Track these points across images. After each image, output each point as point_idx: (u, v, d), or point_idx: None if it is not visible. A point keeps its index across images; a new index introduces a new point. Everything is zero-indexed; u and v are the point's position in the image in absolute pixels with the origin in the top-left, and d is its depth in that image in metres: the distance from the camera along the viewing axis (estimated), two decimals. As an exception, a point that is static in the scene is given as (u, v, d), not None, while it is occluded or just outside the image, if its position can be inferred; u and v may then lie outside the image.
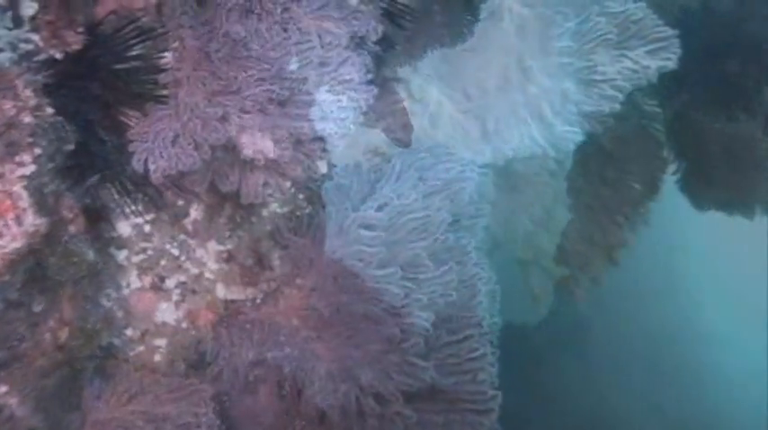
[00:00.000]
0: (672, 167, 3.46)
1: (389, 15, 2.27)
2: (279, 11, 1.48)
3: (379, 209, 1.81)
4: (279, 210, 1.93)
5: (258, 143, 1.45)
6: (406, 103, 2.27)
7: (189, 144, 1.34)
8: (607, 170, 3.19)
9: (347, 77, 1.52)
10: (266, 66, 1.44)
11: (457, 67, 2.27)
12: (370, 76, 1.57)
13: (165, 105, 1.39)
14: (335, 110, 1.48)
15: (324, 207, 2.01)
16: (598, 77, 2.05)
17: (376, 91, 1.57)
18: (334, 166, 2.12)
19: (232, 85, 1.43)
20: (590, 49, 2.11)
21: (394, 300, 1.72)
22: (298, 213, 1.97)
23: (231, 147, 1.49)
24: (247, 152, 1.44)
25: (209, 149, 1.37)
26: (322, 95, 1.52)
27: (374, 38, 1.61)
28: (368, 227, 1.77)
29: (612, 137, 3.12)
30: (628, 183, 3.21)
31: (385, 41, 2.36)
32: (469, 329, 1.79)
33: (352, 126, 1.54)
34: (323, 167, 1.88)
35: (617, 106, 2.03)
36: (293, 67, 1.50)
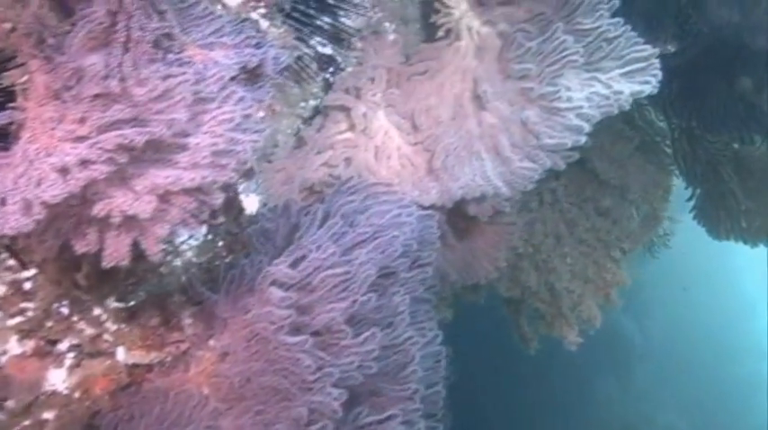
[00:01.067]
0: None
1: (335, 37, 2.03)
2: (150, 38, 1.23)
3: (295, 263, 1.56)
4: (194, 260, 1.69)
5: (112, 198, 1.21)
6: (349, 134, 2.02)
7: (15, 203, 1.10)
8: (604, 199, 2.89)
9: (228, 117, 1.27)
10: (126, 107, 1.20)
11: (408, 93, 2.01)
12: (260, 115, 1.31)
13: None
14: (210, 155, 1.23)
15: (247, 256, 1.77)
16: (563, 105, 1.77)
17: (267, 131, 1.31)
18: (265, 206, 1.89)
19: (82, 129, 1.19)
20: (554, 72, 1.83)
21: (305, 373, 1.47)
22: (216, 263, 1.72)
23: (83, 201, 1.25)
24: (97, 209, 1.19)
25: (42, 209, 1.12)
26: (197, 139, 1.27)
27: (274, 68, 1.36)
28: (280, 285, 1.52)
29: (609, 161, 2.82)
30: (627, 213, 2.90)
31: (332, 64, 2.11)
32: (397, 405, 1.52)
33: (233, 174, 1.28)
34: (251, 207, 1.65)
35: (582, 139, 1.74)
36: (161, 106, 1.25)
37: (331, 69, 2.11)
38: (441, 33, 2.06)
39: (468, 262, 2.05)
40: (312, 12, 1.79)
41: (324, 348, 1.53)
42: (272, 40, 1.57)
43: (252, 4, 1.56)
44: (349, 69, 2.07)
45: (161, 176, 1.25)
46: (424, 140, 1.94)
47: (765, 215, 3.16)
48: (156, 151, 1.29)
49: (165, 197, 1.29)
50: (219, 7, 1.46)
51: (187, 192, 1.30)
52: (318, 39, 1.95)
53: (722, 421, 7.43)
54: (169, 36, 1.32)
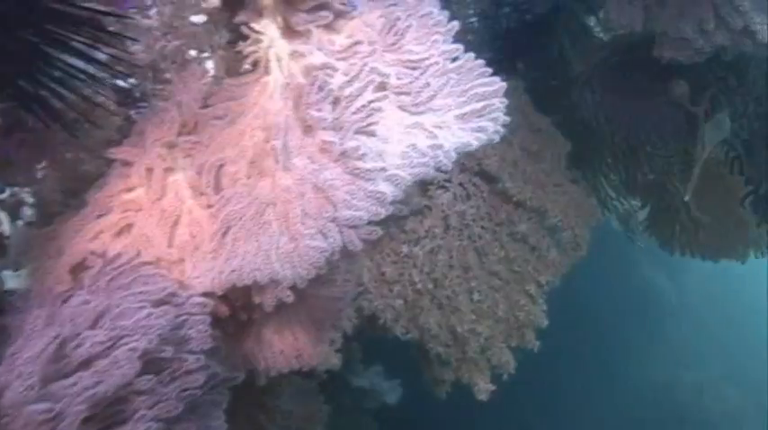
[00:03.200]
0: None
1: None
2: None
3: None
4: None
5: None
6: (137, 193, 1.67)
7: None
8: (519, 223, 2.50)
9: None
10: None
11: (206, 142, 1.65)
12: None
13: None
14: None
15: None
16: (367, 165, 1.40)
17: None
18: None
19: None
20: (362, 120, 1.46)
21: None
22: None
23: None
24: None
25: None
26: None
27: None
28: None
29: (524, 180, 2.43)
30: (545, 240, 2.52)
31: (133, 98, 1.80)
32: None
33: None
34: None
35: (383, 211, 1.38)
36: None
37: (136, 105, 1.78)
38: (247, 66, 1.68)
39: (258, 355, 1.70)
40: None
41: None
42: None
43: None
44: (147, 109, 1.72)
45: None
46: (217, 207, 1.57)
47: (725, 231, 2.74)
48: None
49: None
50: None
51: None
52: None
53: (754, 378, 7.20)
54: None
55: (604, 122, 2.58)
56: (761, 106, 2.40)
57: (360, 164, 1.48)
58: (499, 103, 1.55)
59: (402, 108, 1.58)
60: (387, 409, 4.12)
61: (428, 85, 1.55)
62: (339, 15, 1.68)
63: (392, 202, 1.45)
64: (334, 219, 1.46)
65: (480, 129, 1.51)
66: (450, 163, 1.49)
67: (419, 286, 2.50)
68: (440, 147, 1.46)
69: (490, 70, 1.62)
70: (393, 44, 1.62)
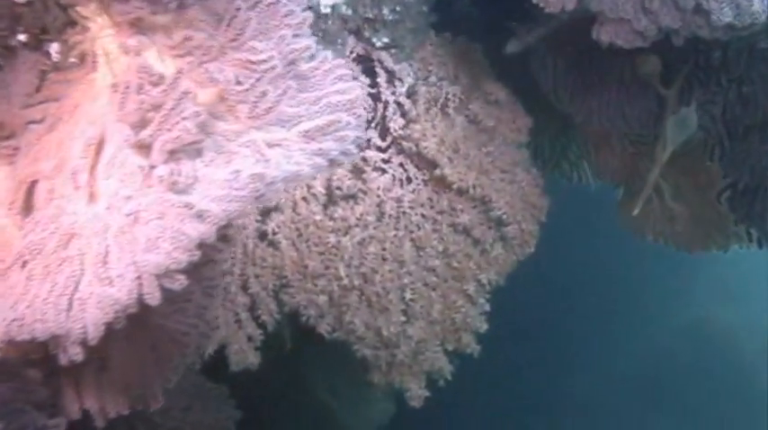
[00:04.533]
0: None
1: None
2: None
3: None
4: None
5: None
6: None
7: None
8: (462, 213, 2.23)
9: None
10: None
11: (22, 150, 1.41)
12: None
13: None
14: None
15: None
16: (179, 198, 1.15)
17: None
18: None
19: None
20: (178, 140, 1.20)
21: None
22: None
23: None
24: None
25: None
26: None
27: None
28: None
29: (466, 165, 2.15)
30: (489, 234, 2.24)
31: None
32: None
33: None
34: None
35: (184, 260, 1.13)
36: None
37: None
38: (73, 59, 1.42)
39: (90, 397, 1.47)
40: None
41: None
42: None
43: None
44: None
45: None
46: (25, 228, 1.34)
47: (703, 221, 2.42)
48: None
49: None
50: None
51: None
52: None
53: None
54: None
55: (566, 102, 2.24)
56: (742, 88, 2.04)
57: (170, 195, 1.22)
58: (349, 117, 1.26)
59: (238, 120, 1.30)
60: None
61: (265, 93, 1.26)
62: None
63: (200, 245, 1.19)
64: (134, 263, 1.21)
65: (320, 153, 1.23)
66: (277, 195, 1.22)
67: (345, 281, 2.25)
68: (262, 177, 1.19)
69: (350, 73, 1.33)
70: (233, 40, 1.33)
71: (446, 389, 2.36)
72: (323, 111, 1.29)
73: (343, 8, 2.20)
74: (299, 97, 1.30)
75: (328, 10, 2.16)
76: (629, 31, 1.59)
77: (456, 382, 2.38)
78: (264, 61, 1.29)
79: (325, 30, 2.23)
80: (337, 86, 1.32)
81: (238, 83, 1.31)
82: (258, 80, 1.29)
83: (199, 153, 1.27)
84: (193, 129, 1.25)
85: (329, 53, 1.35)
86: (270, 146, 1.26)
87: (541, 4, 1.61)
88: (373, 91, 2.42)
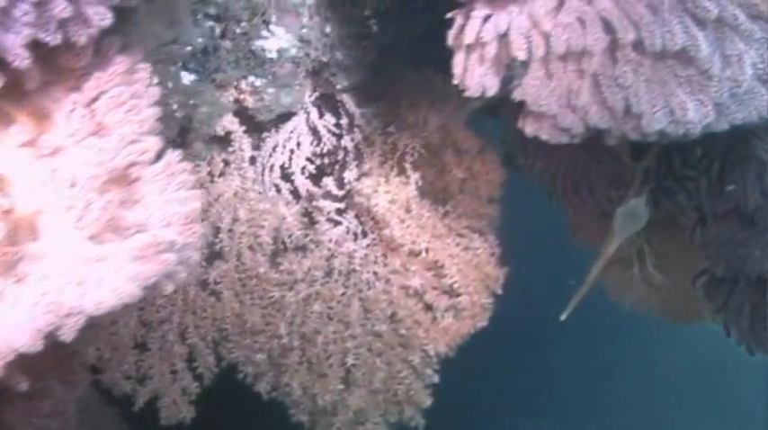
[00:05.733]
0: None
1: None
2: None
3: None
4: None
5: None
6: None
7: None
8: (414, 275, 2.07)
9: None
10: None
11: None
12: None
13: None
14: None
15: None
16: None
17: None
18: None
19: None
20: None
21: None
22: None
23: None
24: None
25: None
26: None
27: None
28: None
29: (421, 225, 2.00)
30: (444, 300, 2.08)
31: None
32: None
33: None
34: None
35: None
36: None
37: None
38: None
39: None
40: None
41: None
42: None
43: None
44: None
45: None
46: None
47: (688, 291, 2.19)
48: None
49: None
50: None
51: None
52: None
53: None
54: None
55: (535, 161, 2.04)
56: (720, 170, 1.80)
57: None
58: (181, 236, 1.11)
59: (76, 229, 1.17)
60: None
61: (90, 203, 1.13)
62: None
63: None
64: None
65: (136, 278, 1.08)
66: (74, 333, 1.08)
67: (285, 340, 2.11)
68: (59, 307, 1.05)
69: (192, 180, 1.18)
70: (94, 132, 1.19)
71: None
72: (154, 225, 1.14)
73: (293, 51, 2.04)
74: (130, 208, 1.15)
75: (274, 55, 2.00)
76: (554, 126, 1.38)
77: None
78: (100, 164, 1.15)
79: (275, 73, 2.08)
80: (177, 195, 1.17)
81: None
82: (85, 187, 1.15)
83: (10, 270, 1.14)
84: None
85: (176, 153, 1.20)
86: (96, 261, 1.12)
87: (461, 87, 1.41)
88: (338, 131, 2.26)
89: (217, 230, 2.20)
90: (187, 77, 1.98)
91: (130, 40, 1.24)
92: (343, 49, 2.05)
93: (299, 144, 2.26)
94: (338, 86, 2.19)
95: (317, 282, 2.18)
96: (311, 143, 2.24)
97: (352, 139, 2.21)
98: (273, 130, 2.23)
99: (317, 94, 2.23)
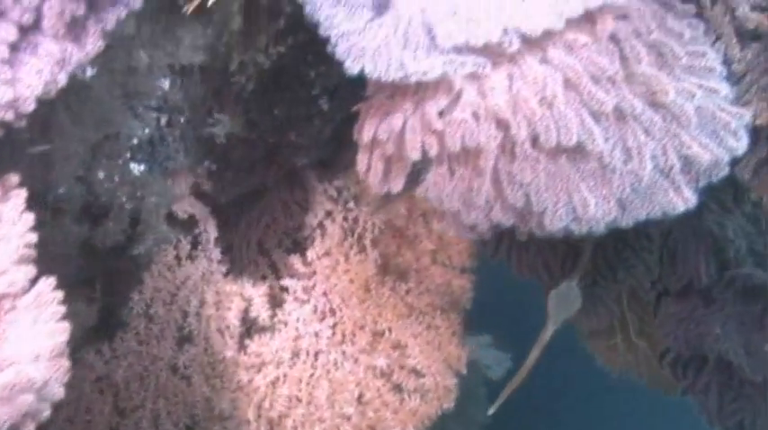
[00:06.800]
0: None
1: None
2: None
3: None
4: None
5: None
6: None
7: None
8: (380, 355, 2.02)
9: None
10: None
11: None
12: None
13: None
14: None
15: None
16: None
17: None
18: None
19: None
20: None
21: None
22: None
23: None
24: None
25: None
26: None
27: None
28: None
29: (382, 305, 1.96)
30: (412, 380, 2.02)
31: None
32: None
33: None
34: None
35: None
36: None
37: None
38: None
39: None
40: None
41: None
42: None
43: None
44: None
45: None
46: None
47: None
48: None
49: None
50: None
51: None
52: None
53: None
54: None
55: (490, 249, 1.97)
56: (673, 245, 1.70)
57: None
58: (42, 372, 1.09)
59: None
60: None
61: None
62: None
63: None
64: None
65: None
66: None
67: (254, 426, 2.07)
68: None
69: (63, 310, 1.15)
70: None
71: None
72: (20, 361, 1.12)
73: (244, 134, 2.02)
74: (-1, 341, 1.13)
75: (224, 140, 1.99)
76: (459, 223, 1.32)
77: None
78: None
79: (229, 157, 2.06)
80: (46, 328, 1.15)
81: None
82: None
83: None
84: None
85: (49, 282, 1.18)
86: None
87: (368, 183, 1.36)
88: (302, 208, 2.23)
89: (185, 314, 2.18)
90: (137, 169, 1.97)
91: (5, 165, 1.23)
92: (295, 128, 2.02)
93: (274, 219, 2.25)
94: (299, 164, 2.16)
95: (284, 363, 2.14)
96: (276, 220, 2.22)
97: (315, 216, 2.18)
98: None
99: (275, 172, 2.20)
